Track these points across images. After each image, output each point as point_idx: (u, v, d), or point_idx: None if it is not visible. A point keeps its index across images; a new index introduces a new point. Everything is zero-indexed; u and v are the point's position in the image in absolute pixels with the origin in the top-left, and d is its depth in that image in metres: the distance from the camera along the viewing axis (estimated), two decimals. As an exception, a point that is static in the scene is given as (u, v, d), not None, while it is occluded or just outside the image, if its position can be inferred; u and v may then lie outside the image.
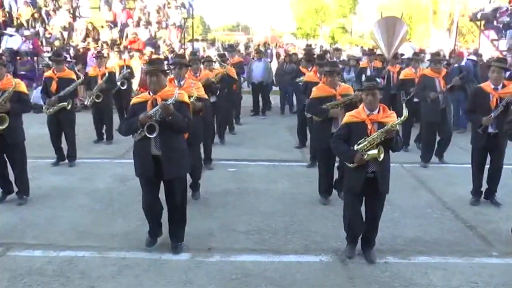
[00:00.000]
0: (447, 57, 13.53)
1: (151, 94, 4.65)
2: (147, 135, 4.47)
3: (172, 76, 6.45)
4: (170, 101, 4.50)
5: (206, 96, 6.41)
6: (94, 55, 11.79)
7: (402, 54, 11.93)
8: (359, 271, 4.50)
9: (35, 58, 15.50)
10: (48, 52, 15.18)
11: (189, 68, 6.94)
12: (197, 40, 22.82)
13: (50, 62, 10.68)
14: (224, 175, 7.50)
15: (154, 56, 14.03)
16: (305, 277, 4.39)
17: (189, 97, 5.87)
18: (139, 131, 4.56)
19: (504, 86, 6.04)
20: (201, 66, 8.32)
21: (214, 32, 59.65)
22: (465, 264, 4.67)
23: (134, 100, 4.81)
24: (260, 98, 13.41)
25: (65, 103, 7.65)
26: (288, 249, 4.96)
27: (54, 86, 7.68)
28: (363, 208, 4.73)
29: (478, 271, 4.51)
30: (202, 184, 6.56)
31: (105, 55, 13.39)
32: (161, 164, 4.59)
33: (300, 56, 13.50)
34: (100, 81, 9.33)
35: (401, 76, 9.40)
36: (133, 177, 5.21)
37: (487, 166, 6.36)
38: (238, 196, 6.55)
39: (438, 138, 8.27)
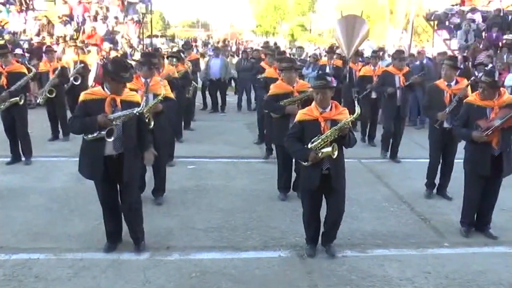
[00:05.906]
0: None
1: (107, 91, 4.43)
2: (106, 139, 4.32)
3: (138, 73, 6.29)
4: (137, 110, 4.41)
5: (172, 96, 6.29)
6: (43, 50, 11.35)
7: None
8: (317, 265, 4.56)
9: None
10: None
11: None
12: (156, 35, 22.54)
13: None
14: (183, 173, 7.44)
15: (113, 52, 13.82)
16: (264, 273, 4.42)
17: (157, 95, 5.81)
18: (95, 133, 4.35)
19: (457, 82, 6.37)
20: (164, 62, 8.20)
21: (173, 28, 59.12)
22: (419, 256, 4.84)
23: (85, 96, 4.44)
24: (219, 95, 13.36)
25: (17, 98, 7.37)
26: (247, 245, 4.98)
27: (3, 81, 7.39)
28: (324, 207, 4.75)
29: (431, 262, 4.68)
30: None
31: (61, 49, 13.07)
32: (119, 165, 4.45)
33: (260, 53, 13.45)
34: (52, 76, 9.05)
35: (360, 73, 9.69)
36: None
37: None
38: (197, 194, 6.52)
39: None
